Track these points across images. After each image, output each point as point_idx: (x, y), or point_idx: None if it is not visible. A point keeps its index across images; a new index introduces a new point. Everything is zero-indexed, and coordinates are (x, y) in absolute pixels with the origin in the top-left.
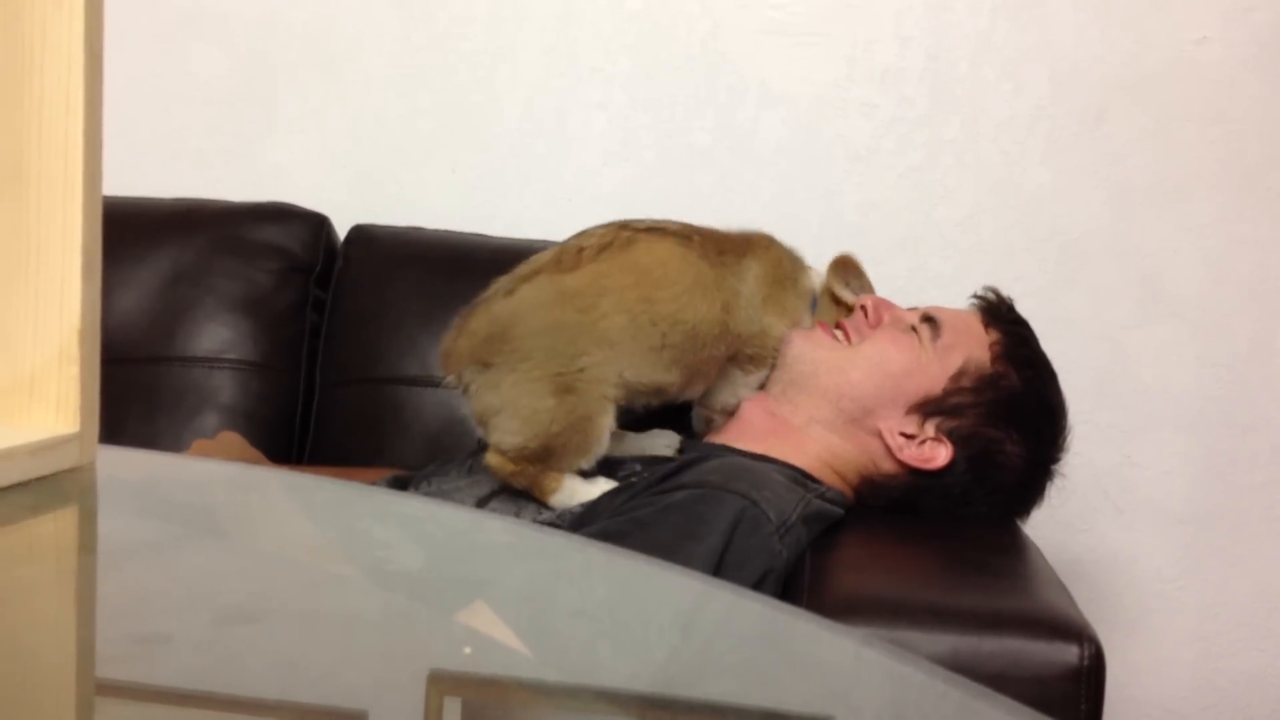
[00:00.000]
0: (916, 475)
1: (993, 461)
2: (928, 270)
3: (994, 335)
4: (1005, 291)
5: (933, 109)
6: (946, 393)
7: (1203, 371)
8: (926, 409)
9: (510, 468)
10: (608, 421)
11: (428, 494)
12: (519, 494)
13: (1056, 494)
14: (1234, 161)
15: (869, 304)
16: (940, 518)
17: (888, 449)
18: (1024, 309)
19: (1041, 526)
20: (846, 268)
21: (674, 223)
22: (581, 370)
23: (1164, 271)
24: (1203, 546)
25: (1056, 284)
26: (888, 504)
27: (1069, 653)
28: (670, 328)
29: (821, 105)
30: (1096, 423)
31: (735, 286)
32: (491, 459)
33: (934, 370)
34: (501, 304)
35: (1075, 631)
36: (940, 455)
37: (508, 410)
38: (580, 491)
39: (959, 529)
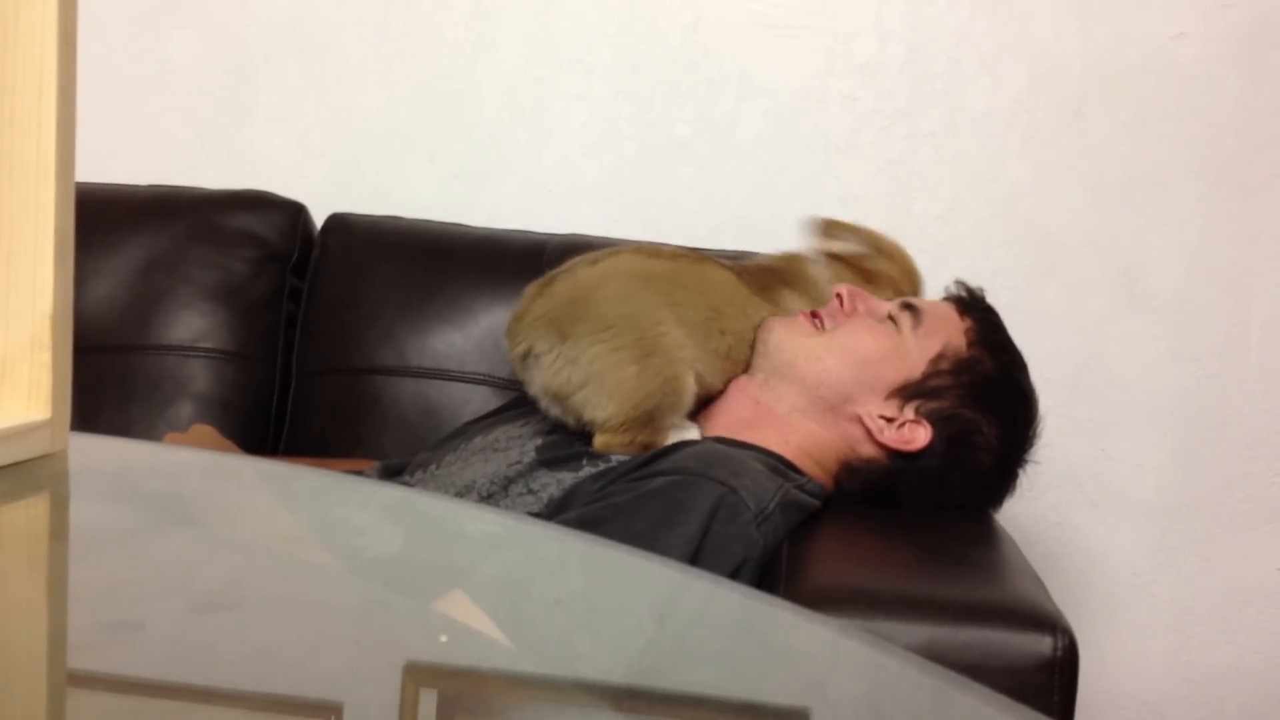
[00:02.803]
0: (895, 459)
1: (969, 443)
2: None
3: (968, 322)
4: (979, 284)
5: (912, 102)
6: (926, 376)
7: (1178, 366)
8: (906, 392)
9: (621, 440)
10: (690, 381)
11: (436, 479)
12: (537, 476)
13: (1031, 486)
14: (1211, 157)
15: (844, 292)
16: (918, 503)
17: (868, 433)
18: (1001, 302)
19: (1017, 519)
20: (827, 230)
21: (725, 259)
22: (662, 335)
23: (1141, 266)
24: (1176, 539)
25: (1034, 278)
26: (866, 489)
27: (1042, 644)
28: (736, 342)
29: (802, 98)
30: (1072, 416)
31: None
32: (599, 440)
33: (914, 356)
34: (586, 270)
35: (1049, 623)
36: (920, 437)
37: (593, 384)
38: (674, 437)
39: (936, 521)
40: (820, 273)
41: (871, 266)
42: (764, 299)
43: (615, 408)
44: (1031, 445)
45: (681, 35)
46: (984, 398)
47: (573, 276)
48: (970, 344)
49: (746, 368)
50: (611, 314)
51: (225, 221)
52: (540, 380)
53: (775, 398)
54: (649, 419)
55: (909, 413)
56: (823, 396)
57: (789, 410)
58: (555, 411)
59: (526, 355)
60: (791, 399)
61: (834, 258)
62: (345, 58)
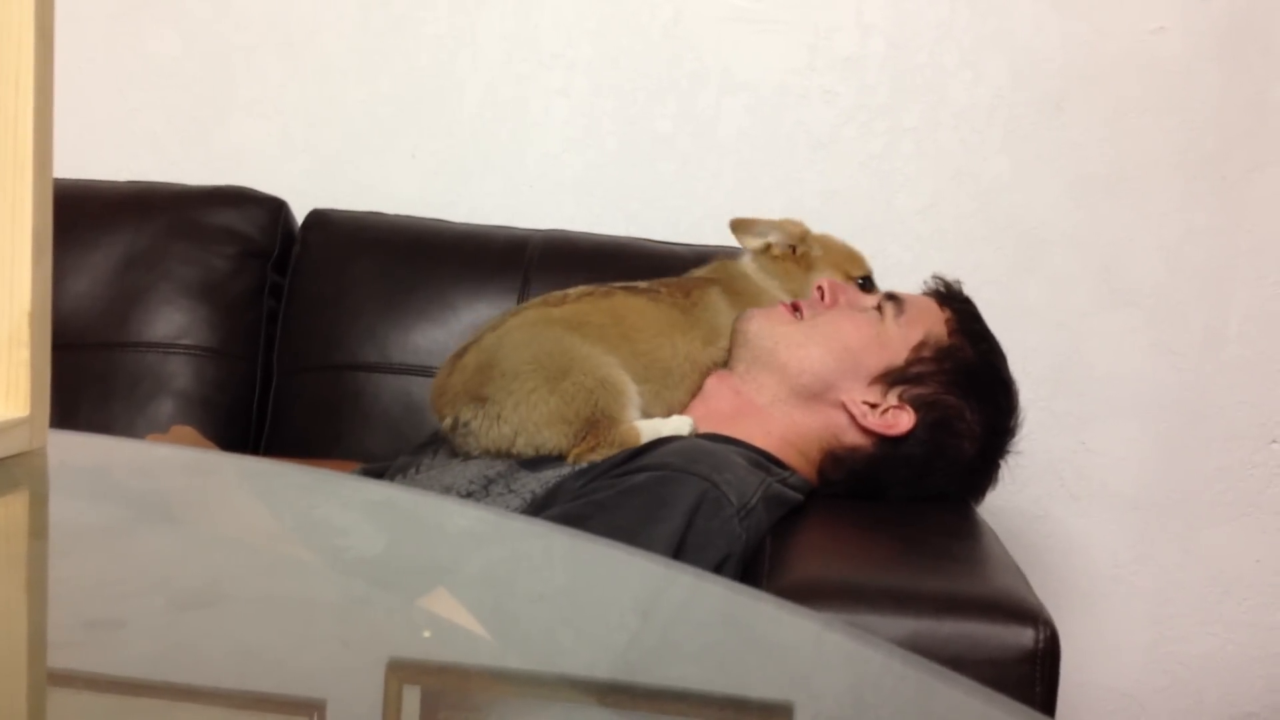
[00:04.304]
0: (879, 446)
1: (952, 429)
2: (887, 258)
3: (948, 313)
4: (959, 279)
5: (893, 97)
6: (908, 363)
7: (1158, 359)
8: (889, 378)
9: (584, 450)
10: (624, 376)
11: (416, 483)
12: (514, 478)
13: (1013, 480)
14: (1190, 151)
15: (825, 285)
16: (901, 492)
17: (851, 419)
18: (982, 297)
19: (998, 512)
20: (745, 227)
21: (642, 282)
22: (569, 352)
23: (1120, 260)
24: (1156, 532)
25: (1015, 272)
26: (850, 478)
27: (1025, 636)
28: (650, 363)
29: (783, 93)
30: (1053, 410)
31: (711, 320)
32: (570, 459)
33: (896, 344)
34: (490, 336)
35: (1031, 615)
36: (903, 421)
37: (526, 432)
38: (664, 427)
39: (918, 514)
40: (752, 271)
41: (808, 253)
42: (685, 309)
43: (557, 436)
44: (1013, 434)
45: (663, 30)
46: (966, 385)
47: (479, 344)
48: (951, 333)
49: (665, 386)
50: (516, 363)
51: (205, 218)
52: (478, 444)
53: (756, 388)
54: (594, 423)
55: (892, 399)
56: (805, 385)
57: (770, 401)
58: (513, 458)
59: (454, 427)
60: (773, 389)
61: (769, 255)
62: (326, 53)
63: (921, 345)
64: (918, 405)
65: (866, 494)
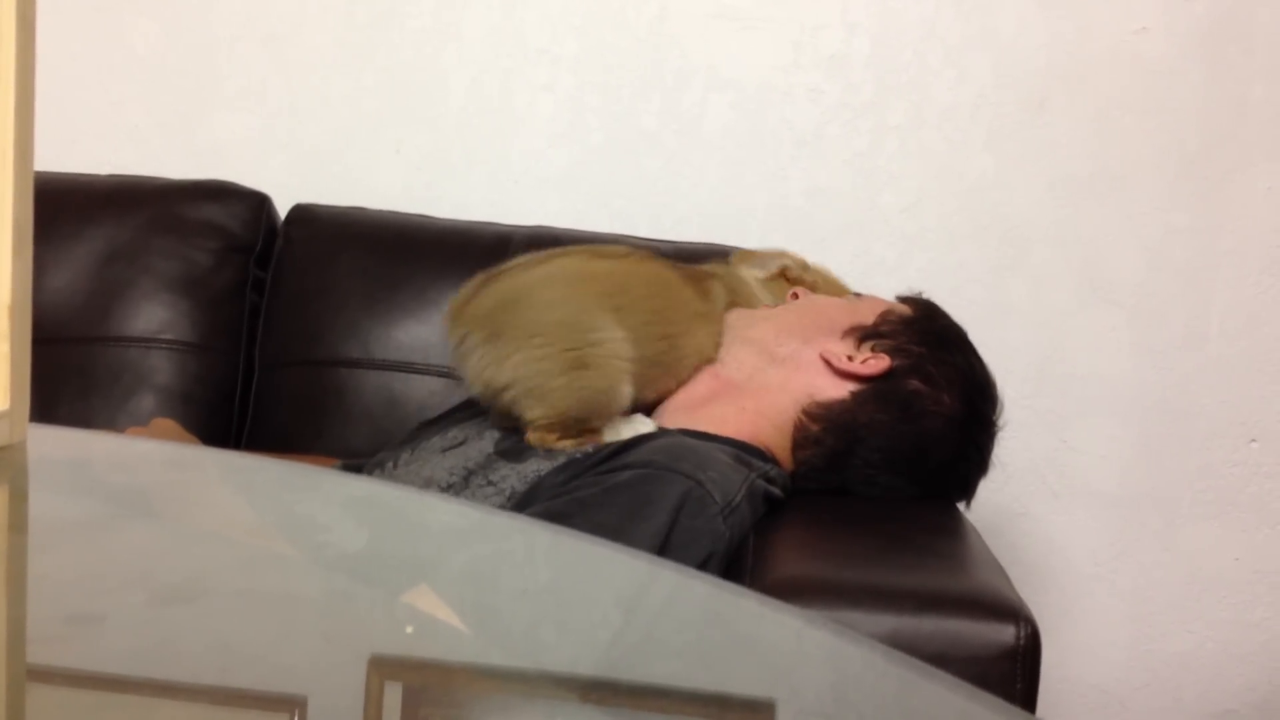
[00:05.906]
0: (855, 395)
1: (927, 375)
2: (871, 255)
3: (911, 306)
4: (944, 277)
5: (878, 95)
6: (877, 323)
7: (1139, 358)
8: (860, 333)
9: (552, 438)
10: (627, 389)
11: (394, 477)
12: (495, 472)
13: (994, 477)
14: (1172, 151)
15: (800, 293)
16: (881, 443)
17: (828, 366)
18: (965, 296)
19: (979, 509)
20: (746, 259)
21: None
22: (594, 345)
23: (1102, 259)
24: (1136, 530)
25: (997, 271)
26: (826, 433)
27: (1005, 633)
28: (670, 347)
29: (768, 90)
30: (1035, 408)
31: (717, 323)
32: (533, 437)
33: (864, 311)
34: (530, 271)
35: (1012, 612)
36: (881, 364)
37: (518, 387)
38: (624, 430)
39: (899, 512)
40: (752, 275)
41: (802, 279)
42: (698, 291)
43: (543, 411)
44: (993, 397)
45: (648, 27)
46: (935, 341)
47: (516, 276)
48: (914, 311)
49: (668, 373)
50: (541, 320)
51: (187, 212)
52: (470, 373)
53: (736, 365)
54: (578, 423)
55: (866, 350)
56: (781, 345)
57: (749, 375)
58: (478, 393)
59: (460, 345)
60: (751, 361)
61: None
62: (310, 46)
63: (888, 312)
64: (893, 353)
65: (844, 453)
